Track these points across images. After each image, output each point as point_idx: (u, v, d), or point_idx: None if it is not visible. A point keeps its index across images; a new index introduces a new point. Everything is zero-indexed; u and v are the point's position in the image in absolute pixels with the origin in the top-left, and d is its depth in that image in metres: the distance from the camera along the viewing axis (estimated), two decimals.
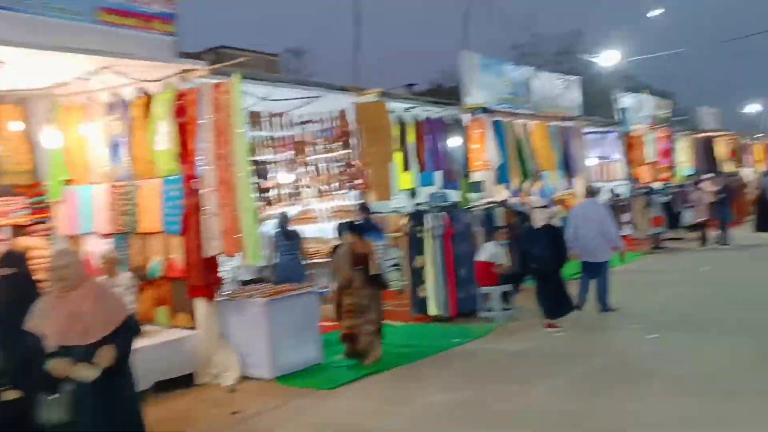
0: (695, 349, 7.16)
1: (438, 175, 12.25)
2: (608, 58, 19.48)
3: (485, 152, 12.31)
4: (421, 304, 9.70)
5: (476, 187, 12.48)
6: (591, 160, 18.91)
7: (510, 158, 13.31)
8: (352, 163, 9.71)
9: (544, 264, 8.68)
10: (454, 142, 12.03)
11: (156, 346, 6.93)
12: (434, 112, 11.84)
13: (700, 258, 14.19)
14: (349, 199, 10.53)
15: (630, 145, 19.82)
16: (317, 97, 9.47)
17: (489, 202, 12.05)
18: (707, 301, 9.60)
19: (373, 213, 11.68)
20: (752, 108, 39.43)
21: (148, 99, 7.54)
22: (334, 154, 9.63)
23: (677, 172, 22.55)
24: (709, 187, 18.05)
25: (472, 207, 11.24)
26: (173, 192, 7.38)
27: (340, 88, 9.96)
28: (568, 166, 16.09)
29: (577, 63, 18.50)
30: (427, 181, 12.27)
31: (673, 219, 17.47)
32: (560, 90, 16.94)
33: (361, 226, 8.70)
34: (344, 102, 9.92)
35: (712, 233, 16.62)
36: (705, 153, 26.17)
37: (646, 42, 23.25)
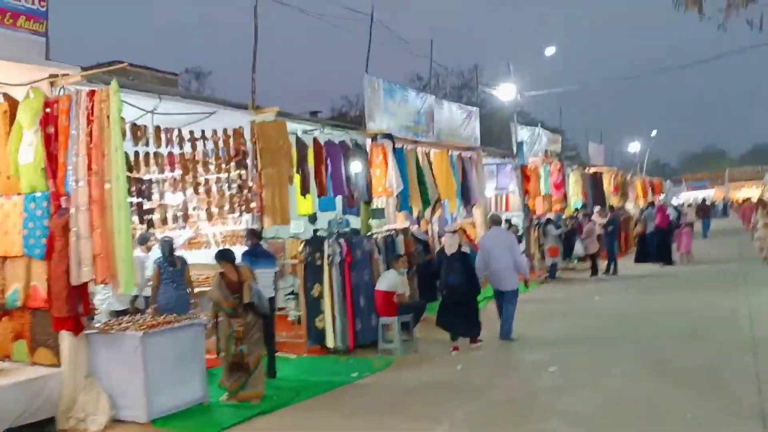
0: (594, 382, 7.03)
1: (339, 201, 11.79)
2: (505, 92, 19.93)
3: (387, 178, 11.99)
4: (318, 336, 9.13)
5: (378, 213, 12.11)
6: (489, 191, 19.15)
7: (411, 185, 13.08)
8: (248, 184, 9.06)
9: (460, 291, 8.78)
10: (355, 167, 11.62)
11: (11, 387, 6.04)
12: (336, 135, 11.41)
13: (592, 288, 14.50)
14: (242, 223, 9.85)
15: (526, 176, 20.27)
16: (211, 113, 8.79)
17: (390, 229, 11.74)
18: (603, 331, 9.64)
19: (271, 238, 11.11)
20: (633, 147, 41.98)
21: (11, 105, 6.64)
22: (228, 174, 8.94)
23: (569, 204, 23.34)
24: (598, 219, 18.78)
25: (373, 234, 10.85)
26: (38, 211, 6.49)
27: (236, 105, 9.34)
28: (467, 195, 16.13)
29: (475, 96, 18.76)
30: (327, 206, 11.76)
31: (567, 250, 17.94)
32: (461, 120, 17.04)
33: (252, 252, 8.08)
34: (241, 120, 9.29)
35: (602, 264, 17.16)
36: (593, 187, 27.34)
37: (541, 79, 24.15)
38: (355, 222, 11.90)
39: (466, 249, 10.00)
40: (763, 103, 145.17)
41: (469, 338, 9.02)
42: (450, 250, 9.13)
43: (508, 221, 18.89)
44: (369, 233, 10.96)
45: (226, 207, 8.88)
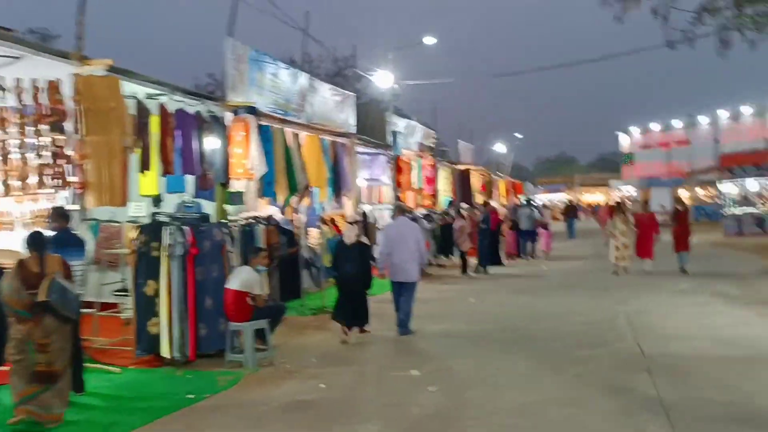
0: (482, 406, 5.84)
1: (190, 181, 9.92)
2: (382, 79, 18.77)
3: (249, 159, 10.28)
4: (150, 343, 7.29)
5: (236, 198, 10.36)
6: (361, 181, 17.90)
7: (277, 169, 11.46)
8: (65, 153, 7.04)
9: (355, 281, 8.56)
10: (211, 143, 9.82)
11: None
12: (188, 104, 9.54)
13: (466, 289, 13.61)
14: (61, 201, 7.75)
15: (399, 169, 19.25)
16: (15, 57, 6.68)
17: (250, 218, 10.05)
18: (485, 338, 8.59)
19: (105, 222, 9.13)
20: (499, 147, 42.83)
21: None
22: (37, 139, 6.87)
23: (439, 200, 22.68)
24: (470, 216, 18.12)
25: (228, 222, 9.12)
26: None
27: (54, 52, 7.26)
28: (338, 184, 14.75)
29: (351, 85, 17.50)
30: (175, 187, 9.85)
31: (439, 246, 17.09)
32: (336, 104, 15.62)
33: (57, 239, 6.13)
34: (60, 72, 7.23)
35: (473, 262, 16.48)
36: (462, 184, 27.05)
37: (419, 72, 23.27)
38: (211, 208, 10.13)
39: (365, 240, 9.63)
40: (610, 115, 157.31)
41: (359, 327, 8.67)
42: (349, 239, 8.80)
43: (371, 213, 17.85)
44: (224, 221, 9.22)
45: (32, 179, 6.80)
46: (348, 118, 16.32)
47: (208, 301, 7.50)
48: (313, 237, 13.42)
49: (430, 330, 9.22)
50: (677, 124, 54.62)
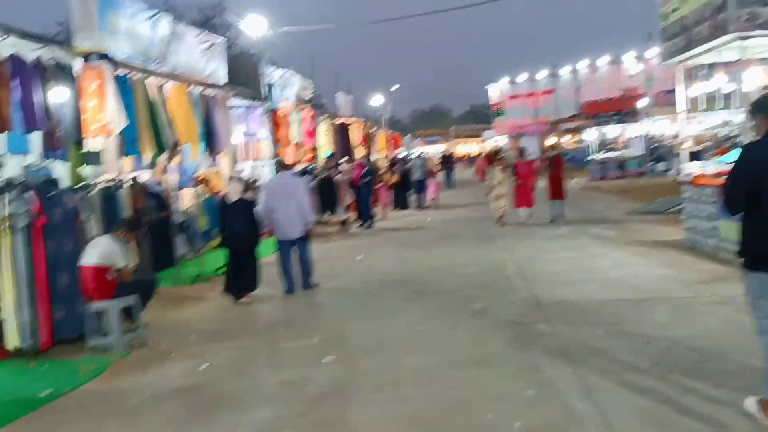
0: (386, 378, 5.38)
1: (35, 140, 8.55)
2: (254, 26, 17.47)
3: (105, 113, 9.00)
4: None
5: (93, 158, 9.09)
6: (237, 137, 16.75)
7: (141, 125, 10.22)
8: None
9: (244, 240, 8.27)
10: (58, 94, 8.46)
11: None
12: (26, 48, 8.10)
13: (351, 245, 13.16)
14: None
15: (276, 123, 18.24)
16: None
17: (111, 180, 8.88)
18: (381, 297, 8.15)
19: None
20: (377, 100, 42.36)
21: None
22: None
23: (319, 154, 21.92)
24: (347, 170, 17.58)
25: (84, 186, 7.93)
26: None
27: None
28: (211, 141, 13.61)
29: (220, 35, 16.08)
30: (18, 147, 8.46)
31: (322, 202, 16.42)
32: (203, 52, 14.25)
33: None
34: None
35: (353, 216, 16.07)
36: (342, 138, 26.40)
37: (293, 18, 21.94)
38: (65, 170, 8.85)
39: (250, 196, 9.06)
40: (480, 67, 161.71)
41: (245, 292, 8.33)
42: (233, 196, 8.43)
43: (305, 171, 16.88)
44: (79, 185, 8.02)
45: None
46: (218, 69, 15.02)
47: (63, 278, 6.45)
48: (187, 198, 12.32)
49: (319, 293, 8.68)
50: (542, 75, 56.81)
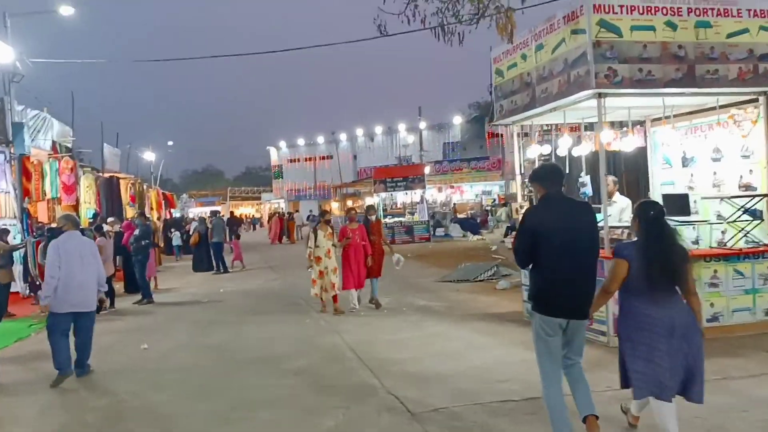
0: None
1: None
2: None
3: None
4: None
5: None
6: None
7: None
8: None
9: None
10: None
11: None
12: None
13: (134, 327, 10.29)
14: None
15: (26, 173, 14.51)
16: None
17: None
18: (175, 411, 5.74)
19: None
20: (149, 155, 38.40)
21: None
22: None
23: (81, 212, 18.16)
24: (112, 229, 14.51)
25: None
26: None
27: None
28: None
29: None
30: None
31: None
32: None
33: None
34: None
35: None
36: (110, 195, 22.71)
37: (50, 50, 18.20)
38: None
39: None
40: (254, 130, 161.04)
41: None
42: None
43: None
44: None
45: None
46: None
47: None
48: None
49: (92, 404, 6.00)
50: (321, 140, 57.36)
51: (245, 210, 63.32)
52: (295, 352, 7.79)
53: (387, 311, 10.34)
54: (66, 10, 14.67)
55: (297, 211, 41.99)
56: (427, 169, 29.89)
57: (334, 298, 10.29)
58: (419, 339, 8.09)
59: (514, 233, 5.37)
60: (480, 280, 13.65)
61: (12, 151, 14.03)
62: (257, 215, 60.78)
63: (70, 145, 19.33)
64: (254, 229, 54.22)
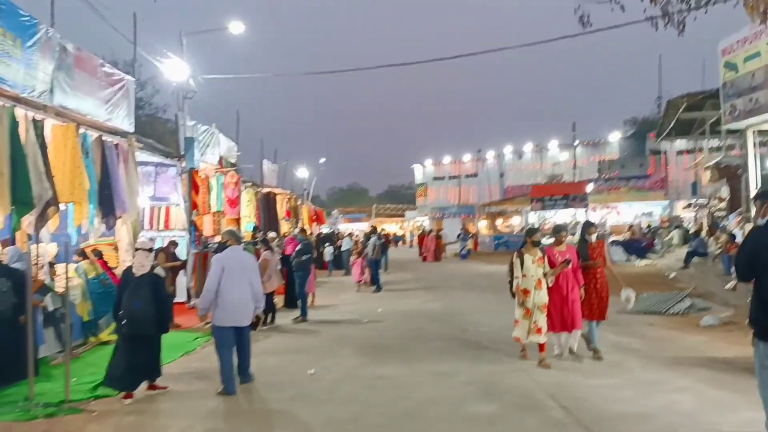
0: None
1: None
2: (174, 69, 14.26)
3: None
4: None
5: None
6: (144, 199, 13.18)
7: None
8: None
9: (146, 322, 6.68)
10: None
11: None
12: None
13: (295, 347, 9.74)
14: None
15: (195, 186, 14.79)
16: None
17: None
18: None
19: None
20: (302, 172, 39.49)
21: None
22: None
23: (242, 226, 18.45)
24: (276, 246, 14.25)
25: None
26: None
27: None
28: (108, 202, 10.09)
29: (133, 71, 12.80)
30: None
31: None
32: (107, 88, 10.85)
33: None
34: None
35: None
36: (267, 209, 23.15)
37: (216, 69, 18.84)
38: None
39: (160, 272, 7.50)
40: (397, 148, 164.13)
41: (148, 383, 6.98)
42: (140, 269, 6.91)
43: (172, 243, 13.28)
44: None
45: None
46: (126, 111, 11.61)
47: None
48: (61, 276, 8.67)
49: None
50: (467, 158, 56.31)
51: (389, 227, 63.60)
52: (479, 393, 6.64)
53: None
54: (236, 27, 14.87)
55: (441, 229, 41.20)
56: (589, 187, 27.60)
57: (541, 346, 7.84)
58: (632, 387, 6.63)
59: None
60: (674, 314, 11.73)
61: (183, 165, 14.30)
62: (401, 233, 60.76)
63: (234, 161, 19.81)
64: (396, 245, 54.09)
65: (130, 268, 7.07)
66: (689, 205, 39.34)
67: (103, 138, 10.31)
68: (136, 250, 7.21)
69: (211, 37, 15.94)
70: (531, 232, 8.45)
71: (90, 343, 9.82)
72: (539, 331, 7.85)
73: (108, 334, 10.16)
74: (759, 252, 4.12)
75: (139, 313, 6.65)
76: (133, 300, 6.70)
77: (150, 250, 7.31)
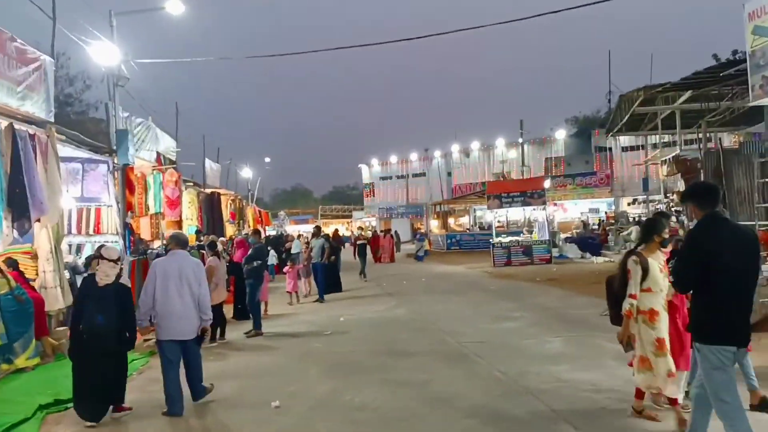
0: None
1: None
2: (104, 53, 12.49)
3: None
4: None
5: None
6: (69, 200, 11.43)
7: None
8: None
9: (110, 338, 6.00)
10: None
11: None
12: None
13: (243, 369, 8.29)
14: None
15: (130, 185, 13.07)
16: None
17: None
18: None
19: None
20: (246, 172, 37.61)
21: None
22: None
23: (183, 229, 16.74)
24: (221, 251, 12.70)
25: None
26: None
27: None
28: (21, 203, 8.45)
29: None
30: None
31: None
32: (17, 68, 9.12)
33: None
34: None
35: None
36: (211, 211, 21.47)
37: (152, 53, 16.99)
38: None
39: (126, 282, 7.08)
40: (343, 151, 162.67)
41: (113, 406, 6.21)
42: (105, 279, 6.11)
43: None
44: None
45: None
46: (44, 95, 9.87)
47: None
48: None
49: None
50: (414, 156, 55.54)
51: (335, 228, 62.18)
52: (489, 427, 5.43)
53: (579, 354, 7.86)
54: (174, 7, 13.18)
55: (389, 229, 40.13)
56: (547, 183, 27.00)
57: (673, 401, 5.15)
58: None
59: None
60: None
61: (115, 161, 12.59)
62: (347, 233, 59.43)
63: (173, 158, 18.07)
64: (344, 247, 52.68)
65: (92, 276, 6.33)
66: (634, 201, 39.71)
67: (15, 126, 8.63)
68: (100, 260, 6.30)
69: (149, 21, 14.24)
70: (654, 225, 5.28)
71: (2, 371, 8.16)
72: (671, 375, 5.05)
73: (26, 359, 8.54)
74: (715, 250, 3.79)
75: (101, 328, 5.99)
76: (96, 313, 6.05)
77: (117, 260, 6.32)
